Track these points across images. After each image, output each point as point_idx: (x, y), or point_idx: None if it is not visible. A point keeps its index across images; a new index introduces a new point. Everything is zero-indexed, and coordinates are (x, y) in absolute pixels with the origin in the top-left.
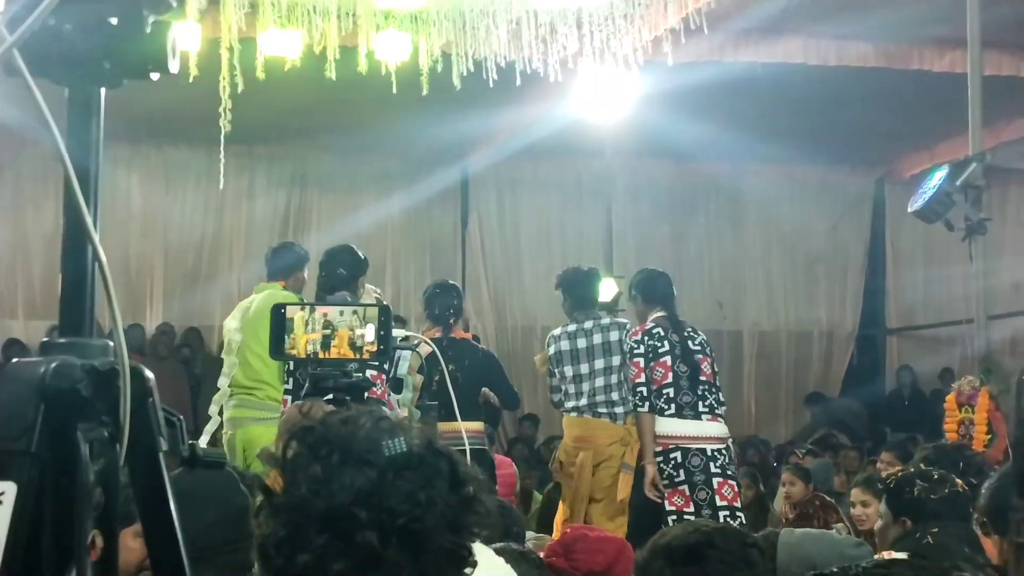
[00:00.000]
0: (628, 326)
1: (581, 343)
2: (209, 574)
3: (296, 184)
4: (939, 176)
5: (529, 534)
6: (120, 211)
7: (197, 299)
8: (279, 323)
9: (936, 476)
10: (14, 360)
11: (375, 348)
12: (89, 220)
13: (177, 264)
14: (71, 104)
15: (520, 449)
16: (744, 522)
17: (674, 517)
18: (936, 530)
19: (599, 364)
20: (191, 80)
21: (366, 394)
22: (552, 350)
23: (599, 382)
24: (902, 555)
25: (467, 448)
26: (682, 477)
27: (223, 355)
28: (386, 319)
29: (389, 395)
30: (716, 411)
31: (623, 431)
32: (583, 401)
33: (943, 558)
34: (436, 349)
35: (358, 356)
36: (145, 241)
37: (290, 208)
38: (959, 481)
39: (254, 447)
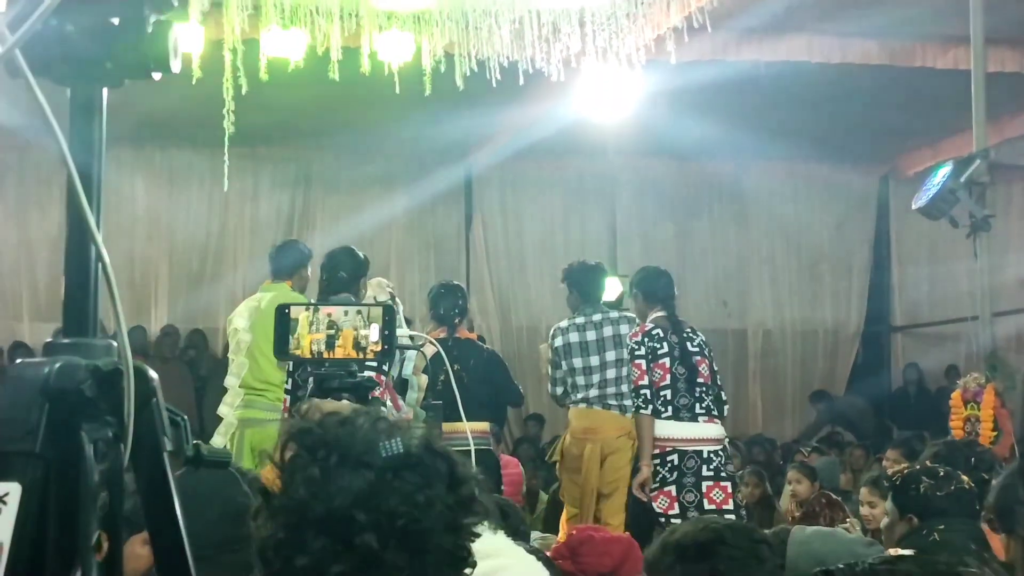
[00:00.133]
0: (637, 320)
1: (591, 335)
2: (213, 573)
3: (300, 185)
4: (943, 173)
5: (535, 534)
6: (124, 213)
7: (201, 300)
8: (283, 323)
9: (942, 473)
10: (18, 361)
11: (379, 348)
12: (92, 220)
13: (181, 266)
14: (73, 104)
15: (526, 449)
16: None
17: (661, 520)
18: (942, 527)
19: (610, 356)
20: (194, 82)
21: (370, 395)
22: (560, 342)
23: (610, 374)
24: (908, 552)
25: (472, 448)
26: (673, 478)
27: (231, 355)
28: (390, 319)
29: (397, 398)
30: (713, 413)
31: (631, 424)
32: (593, 392)
33: (949, 555)
34: (441, 349)
35: (362, 356)
36: (149, 243)
37: (294, 209)
38: (965, 478)
39: (262, 447)
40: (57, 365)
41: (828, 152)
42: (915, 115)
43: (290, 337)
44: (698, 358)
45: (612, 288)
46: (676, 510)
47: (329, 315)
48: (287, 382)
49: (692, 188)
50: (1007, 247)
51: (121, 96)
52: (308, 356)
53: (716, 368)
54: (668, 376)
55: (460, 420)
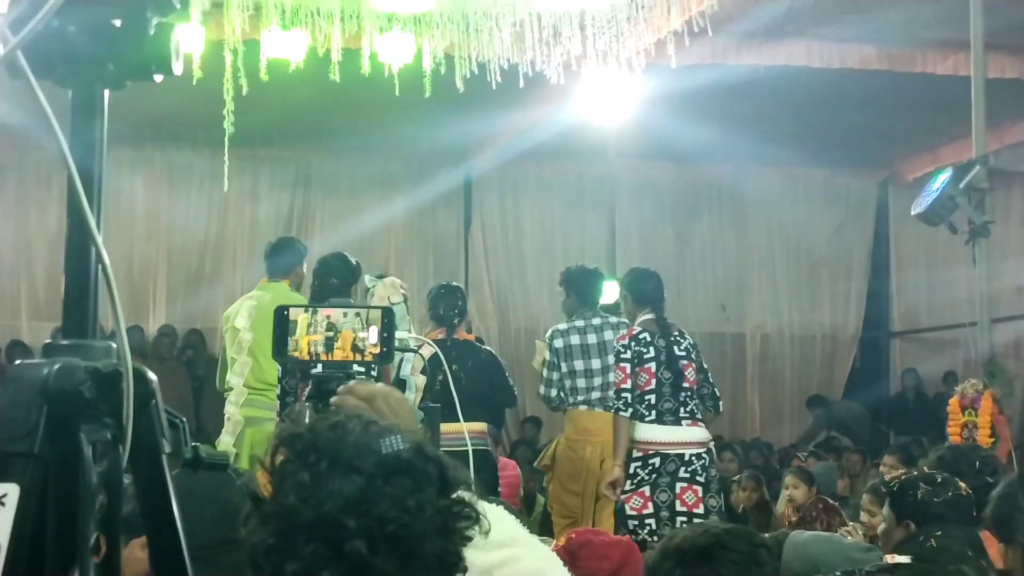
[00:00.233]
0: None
1: (591, 338)
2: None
3: (299, 186)
4: (943, 179)
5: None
6: (124, 213)
7: (200, 301)
8: (282, 325)
9: (940, 479)
10: (17, 362)
11: (378, 350)
12: (92, 221)
13: (180, 266)
14: (74, 106)
15: (523, 451)
16: None
17: (635, 522)
18: (939, 533)
19: (610, 359)
20: (195, 82)
21: None
22: (560, 343)
23: (610, 377)
24: (905, 558)
25: (470, 449)
26: (650, 480)
27: (232, 354)
28: (389, 321)
29: None
30: (697, 416)
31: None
32: (594, 395)
33: (946, 561)
34: (439, 350)
35: (361, 358)
36: (148, 243)
37: (293, 210)
38: (963, 484)
39: (262, 447)
40: (56, 366)
41: (827, 157)
42: (915, 120)
43: (288, 339)
44: (684, 362)
45: (610, 292)
46: (650, 509)
47: (328, 317)
48: (278, 385)
49: (691, 192)
50: (1006, 253)
51: (121, 96)
52: (306, 358)
53: (707, 367)
54: (654, 380)
55: (458, 420)
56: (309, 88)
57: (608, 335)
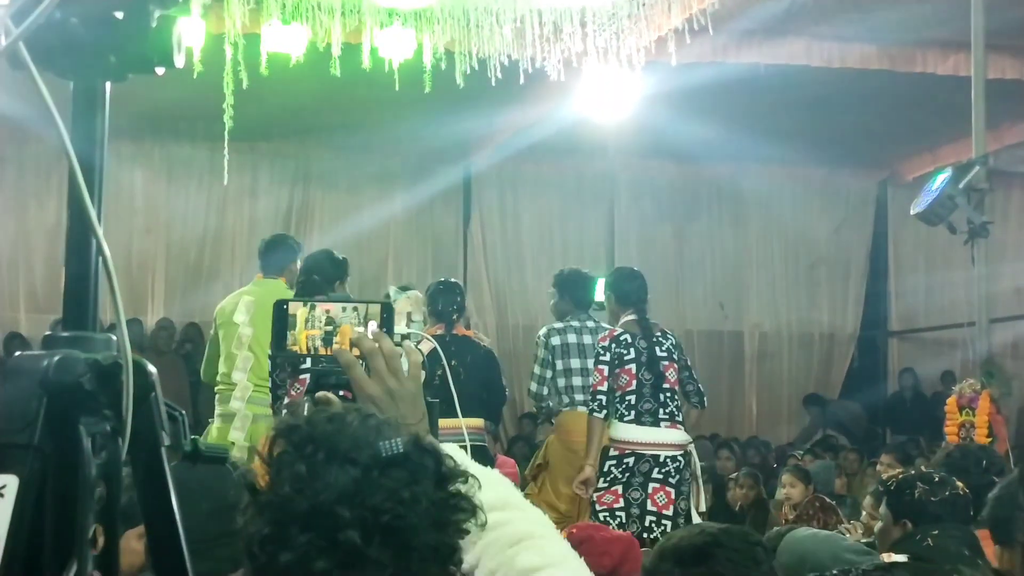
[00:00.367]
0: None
1: (587, 339)
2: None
3: (299, 181)
4: (942, 179)
5: None
6: (123, 207)
7: (199, 295)
8: (281, 319)
9: (937, 479)
10: (17, 353)
11: None
12: (93, 213)
13: (179, 260)
14: (76, 98)
15: (521, 447)
16: (668, 532)
17: (605, 514)
18: (936, 532)
19: None
20: (195, 76)
21: None
22: (557, 341)
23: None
24: (902, 557)
25: (467, 444)
26: (623, 479)
27: (233, 349)
28: (388, 316)
29: None
30: (677, 419)
31: None
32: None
33: (943, 560)
34: (438, 346)
35: (359, 353)
36: (147, 237)
37: (292, 205)
38: (960, 483)
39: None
40: (56, 358)
41: (827, 156)
42: (914, 120)
43: (288, 333)
44: (666, 363)
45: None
46: (621, 504)
47: (327, 312)
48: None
49: (691, 190)
50: (1004, 254)
51: (121, 90)
52: (305, 352)
53: (691, 364)
54: (634, 382)
55: (456, 416)
56: (309, 83)
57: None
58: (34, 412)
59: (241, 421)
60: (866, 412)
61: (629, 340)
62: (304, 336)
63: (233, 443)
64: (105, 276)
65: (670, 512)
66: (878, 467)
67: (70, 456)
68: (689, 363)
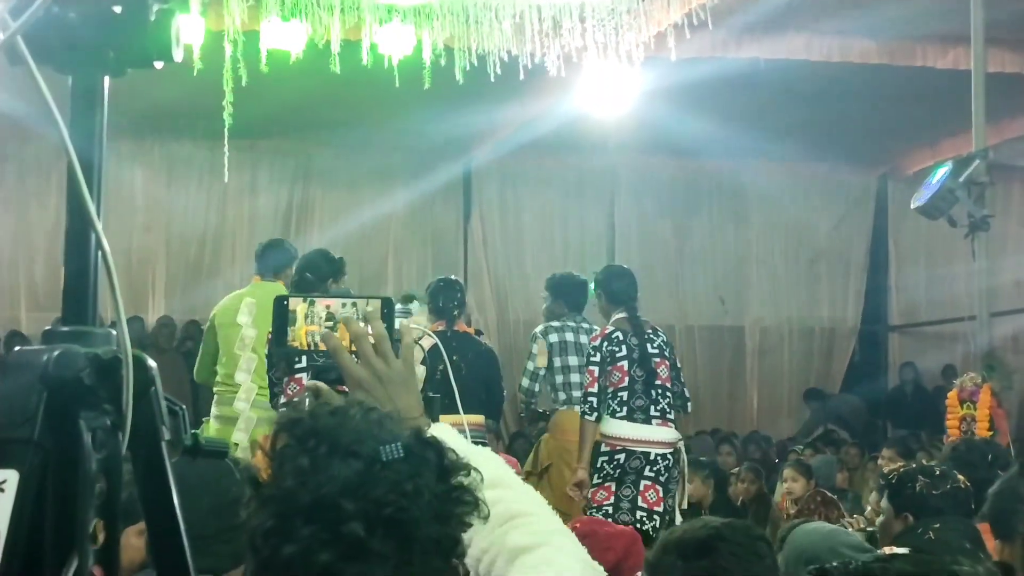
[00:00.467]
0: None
1: (583, 338)
2: (207, 563)
3: (299, 178)
4: (942, 173)
5: None
6: (123, 205)
7: (199, 293)
8: (282, 315)
9: (938, 472)
10: (17, 348)
11: None
12: (92, 208)
13: (179, 258)
14: (75, 93)
15: (521, 444)
16: (658, 528)
17: (597, 509)
18: (938, 525)
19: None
20: (194, 74)
21: None
22: (556, 338)
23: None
24: (903, 550)
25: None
26: (616, 476)
27: (236, 350)
28: (389, 311)
29: None
30: (668, 416)
31: None
32: None
33: (944, 553)
34: (439, 342)
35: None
36: (147, 235)
37: (292, 202)
38: (961, 477)
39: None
40: (56, 353)
41: (827, 150)
42: (914, 115)
43: (288, 329)
44: (657, 360)
45: None
46: (612, 500)
47: (327, 307)
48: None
49: (691, 185)
50: (1005, 247)
51: (120, 88)
52: (305, 348)
53: (680, 365)
54: (626, 379)
55: (458, 412)
56: (309, 80)
57: None
58: (34, 407)
59: (245, 423)
60: (867, 406)
61: (621, 337)
62: (304, 332)
63: (236, 444)
64: (105, 271)
65: (660, 509)
66: (879, 461)
67: (70, 451)
68: (679, 364)
